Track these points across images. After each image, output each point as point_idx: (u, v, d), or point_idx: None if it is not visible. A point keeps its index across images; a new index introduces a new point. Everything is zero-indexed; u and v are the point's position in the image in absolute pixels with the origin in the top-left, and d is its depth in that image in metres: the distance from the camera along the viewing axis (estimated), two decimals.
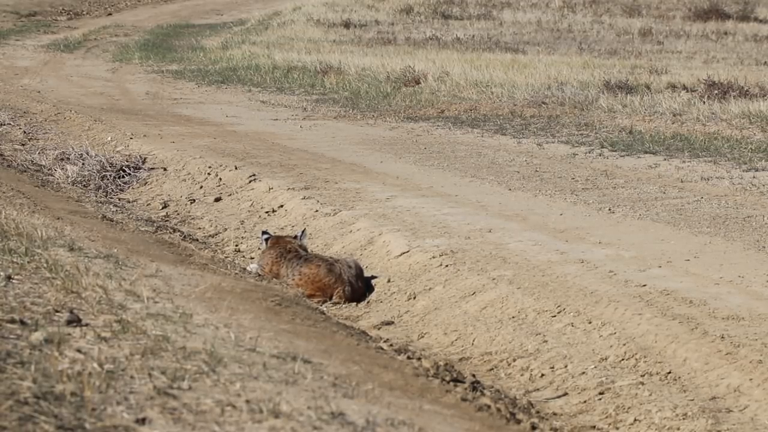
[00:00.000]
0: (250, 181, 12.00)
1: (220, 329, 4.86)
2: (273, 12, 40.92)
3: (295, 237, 9.17)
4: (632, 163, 13.13)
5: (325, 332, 6.09)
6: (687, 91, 19.17)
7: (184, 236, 10.21)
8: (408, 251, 9.00)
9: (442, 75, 22.24)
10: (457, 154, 13.80)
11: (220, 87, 23.21)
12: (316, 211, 10.57)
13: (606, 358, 6.67)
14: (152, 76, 25.45)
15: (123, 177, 12.94)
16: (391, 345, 6.70)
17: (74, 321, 4.51)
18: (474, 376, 6.39)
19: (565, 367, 6.67)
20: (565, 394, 6.39)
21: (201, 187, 12.32)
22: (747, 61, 26.31)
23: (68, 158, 13.46)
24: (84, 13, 44.82)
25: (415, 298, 8.25)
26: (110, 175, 12.88)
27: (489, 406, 5.33)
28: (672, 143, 14.52)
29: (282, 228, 10.32)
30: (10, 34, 36.33)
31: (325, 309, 8.10)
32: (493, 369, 6.87)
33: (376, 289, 8.64)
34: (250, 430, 3.40)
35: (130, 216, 11.01)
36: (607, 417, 6.05)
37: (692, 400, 6.05)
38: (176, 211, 11.67)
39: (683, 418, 5.85)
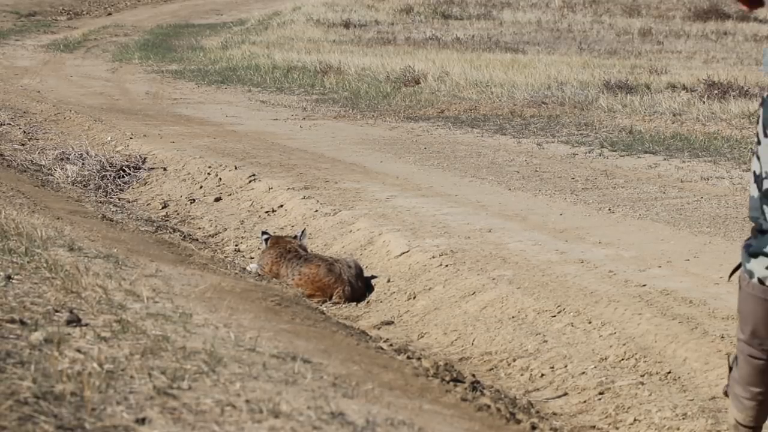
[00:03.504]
0: (249, 181, 11.99)
1: (219, 329, 4.85)
2: (273, 12, 40.95)
3: (295, 237, 9.17)
4: (632, 163, 13.13)
5: (324, 332, 6.08)
6: (687, 91, 19.17)
7: (184, 236, 10.20)
8: (408, 251, 8.99)
9: (442, 75, 22.23)
10: (456, 154, 13.80)
11: (220, 87, 23.20)
12: (316, 210, 10.56)
13: (606, 358, 6.66)
14: (152, 76, 25.45)
15: (123, 177, 12.93)
16: (391, 345, 6.69)
17: (74, 321, 4.51)
18: (474, 375, 6.39)
19: (565, 367, 6.66)
20: (565, 394, 6.38)
21: (201, 187, 12.32)
22: (747, 61, 26.31)
23: (68, 158, 13.45)
24: (84, 13, 44.81)
25: (414, 297, 8.24)
26: (110, 175, 12.88)
27: (489, 406, 5.33)
28: (672, 143, 14.53)
29: (282, 228, 10.32)
30: (9, 34, 36.33)
31: (324, 309, 8.09)
32: (492, 369, 6.86)
33: (376, 289, 8.63)
34: (249, 430, 3.40)
35: (130, 216, 11.00)
36: (606, 417, 6.05)
37: (692, 400, 6.04)
38: (176, 211, 11.67)
39: (683, 418, 5.84)
